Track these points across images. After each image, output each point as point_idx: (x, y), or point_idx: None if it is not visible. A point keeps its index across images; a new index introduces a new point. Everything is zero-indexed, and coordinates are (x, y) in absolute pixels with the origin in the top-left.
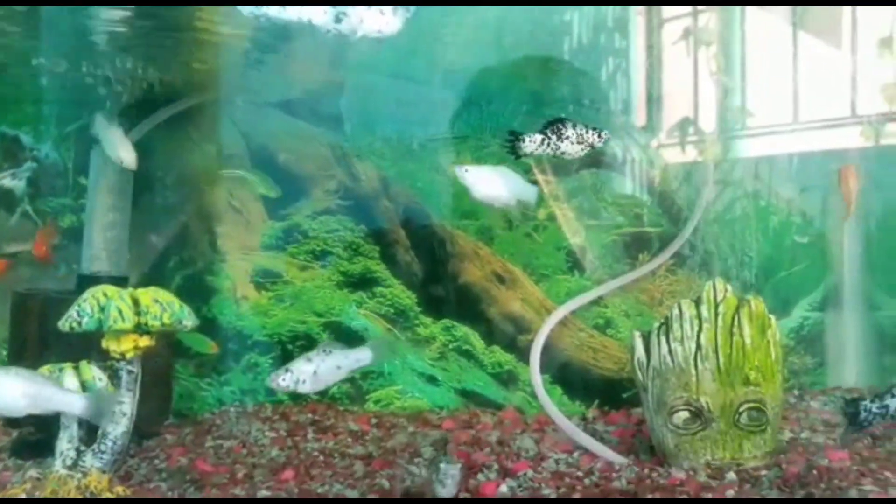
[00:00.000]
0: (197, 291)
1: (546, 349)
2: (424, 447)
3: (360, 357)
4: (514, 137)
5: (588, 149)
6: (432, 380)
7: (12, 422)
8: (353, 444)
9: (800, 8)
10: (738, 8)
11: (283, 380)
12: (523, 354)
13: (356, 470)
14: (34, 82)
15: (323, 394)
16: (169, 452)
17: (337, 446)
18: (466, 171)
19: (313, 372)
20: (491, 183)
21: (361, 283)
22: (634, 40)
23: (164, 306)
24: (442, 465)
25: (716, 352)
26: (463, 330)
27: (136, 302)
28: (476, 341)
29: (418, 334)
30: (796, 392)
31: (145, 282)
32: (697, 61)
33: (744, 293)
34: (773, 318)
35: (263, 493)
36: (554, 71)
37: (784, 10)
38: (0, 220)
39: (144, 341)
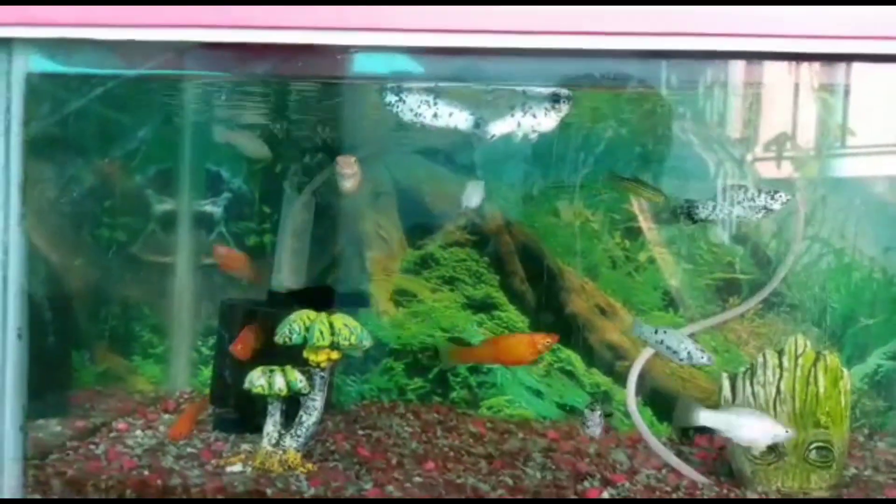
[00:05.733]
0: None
1: (642, 375)
2: (535, 452)
3: None
4: (689, 205)
5: (764, 212)
6: (538, 393)
7: (217, 400)
8: (475, 445)
9: None
10: None
11: None
12: (619, 378)
13: (482, 467)
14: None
15: (444, 396)
16: (333, 437)
17: (462, 445)
18: None
19: None
20: None
21: (482, 306)
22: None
23: (351, 330)
24: (585, 412)
25: (793, 397)
26: (567, 353)
27: (331, 325)
28: (578, 363)
29: None
30: (866, 431)
31: (309, 294)
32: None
33: (825, 339)
34: (845, 370)
35: (417, 480)
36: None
37: None
38: (200, 238)
39: (335, 355)
